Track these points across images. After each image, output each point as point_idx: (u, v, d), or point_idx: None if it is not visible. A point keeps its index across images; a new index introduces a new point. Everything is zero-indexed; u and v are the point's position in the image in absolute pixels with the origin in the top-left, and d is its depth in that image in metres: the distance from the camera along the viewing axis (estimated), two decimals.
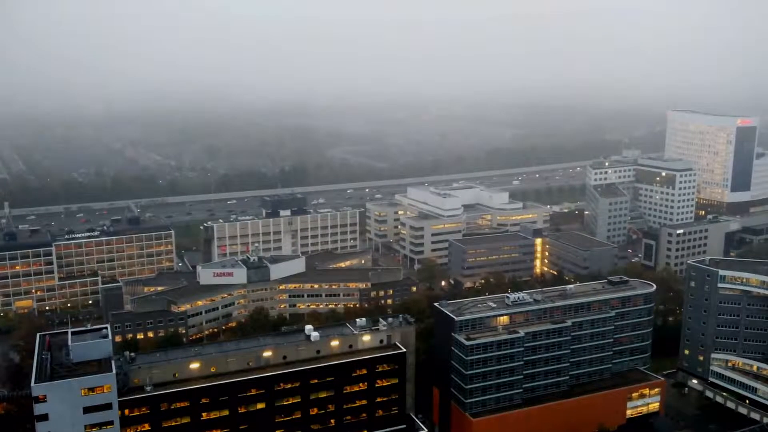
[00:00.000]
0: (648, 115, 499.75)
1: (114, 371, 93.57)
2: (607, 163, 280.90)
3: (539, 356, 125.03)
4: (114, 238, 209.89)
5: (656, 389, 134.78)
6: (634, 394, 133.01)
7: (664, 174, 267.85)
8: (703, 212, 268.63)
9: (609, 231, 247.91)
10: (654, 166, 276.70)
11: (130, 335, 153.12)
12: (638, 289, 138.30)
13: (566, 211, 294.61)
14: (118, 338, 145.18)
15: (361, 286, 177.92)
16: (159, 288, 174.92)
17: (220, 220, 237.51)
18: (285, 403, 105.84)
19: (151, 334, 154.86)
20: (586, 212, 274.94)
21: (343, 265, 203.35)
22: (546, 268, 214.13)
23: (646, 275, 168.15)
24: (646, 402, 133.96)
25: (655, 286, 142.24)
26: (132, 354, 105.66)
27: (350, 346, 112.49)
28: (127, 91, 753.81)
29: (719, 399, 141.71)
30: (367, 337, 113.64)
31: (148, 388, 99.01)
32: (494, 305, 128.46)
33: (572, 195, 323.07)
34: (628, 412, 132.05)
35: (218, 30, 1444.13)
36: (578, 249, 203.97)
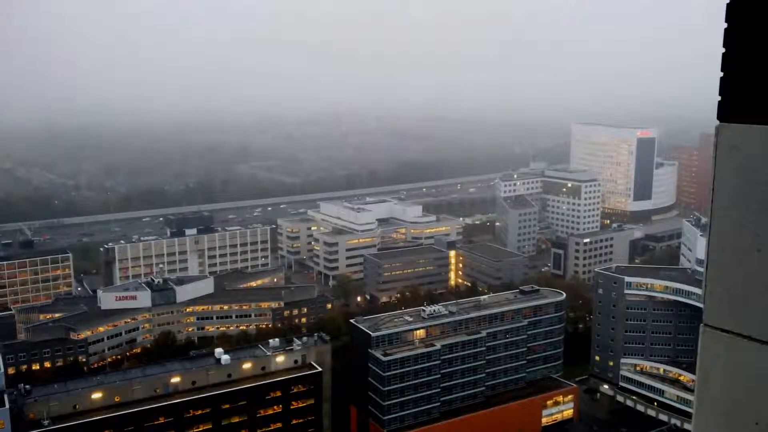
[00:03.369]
0: (553, 127, 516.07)
1: (7, 406, 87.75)
2: (515, 176, 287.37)
3: (456, 368, 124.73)
4: (5, 263, 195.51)
5: (570, 396, 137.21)
6: (548, 402, 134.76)
7: (570, 185, 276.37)
8: (608, 221, 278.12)
9: (519, 241, 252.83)
10: (560, 177, 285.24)
11: (25, 366, 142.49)
12: (549, 298, 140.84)
13: (478, 223, 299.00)
14: (11, 370, 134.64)
15: (274, 305, 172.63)
16: (56, 315, 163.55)
17: (121, 241, 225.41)
18: (196, 430, 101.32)
19: (48, 364, 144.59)
20: (498, 224, 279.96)
21: (254, 284, 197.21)
22: (460, 280, 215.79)
23: (556, 284, 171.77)
24: (561, 409, 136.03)
25: (564, 295, 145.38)
26: (27, 386, 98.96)
27: (263, 368, 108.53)
28: (15, 107, 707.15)
29: (630, 402, 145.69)
30: (280, 358, 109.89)
31: (46, 422, 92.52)
32: (410, 319, 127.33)
33: (484, 207, 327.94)
34: (544, 420, 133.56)
35: (118, 45, 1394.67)
36: (491, 260, 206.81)
